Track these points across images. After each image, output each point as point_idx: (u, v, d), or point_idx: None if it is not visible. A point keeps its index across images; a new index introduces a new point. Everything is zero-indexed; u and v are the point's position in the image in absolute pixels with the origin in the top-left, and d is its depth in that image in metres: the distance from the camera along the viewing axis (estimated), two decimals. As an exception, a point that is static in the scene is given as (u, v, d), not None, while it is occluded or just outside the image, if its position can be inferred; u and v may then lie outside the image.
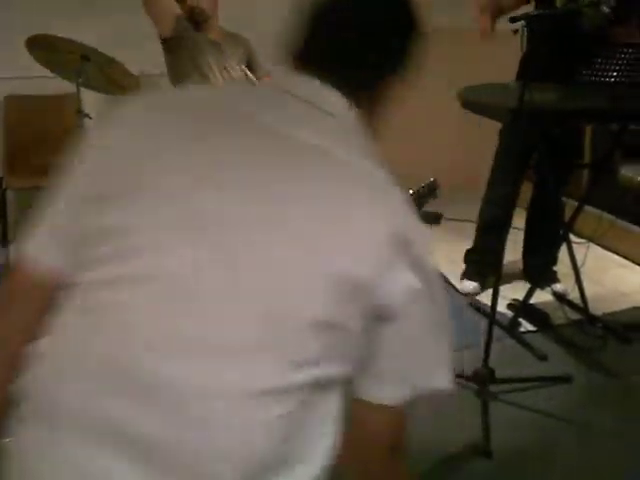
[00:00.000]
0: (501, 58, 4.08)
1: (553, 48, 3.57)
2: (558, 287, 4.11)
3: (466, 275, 4.27)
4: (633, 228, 4.74)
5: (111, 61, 2.96)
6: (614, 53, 3.20)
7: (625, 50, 3.25)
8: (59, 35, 2.90)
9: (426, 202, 2.35)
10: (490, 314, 3.07)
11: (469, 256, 4.32)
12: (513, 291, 3.89)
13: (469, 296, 4.14)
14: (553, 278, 4.17)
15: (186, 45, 3.48)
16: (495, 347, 3.11)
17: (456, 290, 4.17)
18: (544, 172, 3.91)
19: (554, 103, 3.20)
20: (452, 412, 3.00)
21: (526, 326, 3.75)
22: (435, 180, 2.39)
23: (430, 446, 2.79)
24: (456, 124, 4.75)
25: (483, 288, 4.16)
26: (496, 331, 3.15)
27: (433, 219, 5.01)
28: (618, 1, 3.61)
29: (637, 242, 4.72)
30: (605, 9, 3.38)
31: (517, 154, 3.87)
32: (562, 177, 3.97)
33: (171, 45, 3.44)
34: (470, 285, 4.20)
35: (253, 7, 4.58)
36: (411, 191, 2.30)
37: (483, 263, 4.14)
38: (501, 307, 3.70)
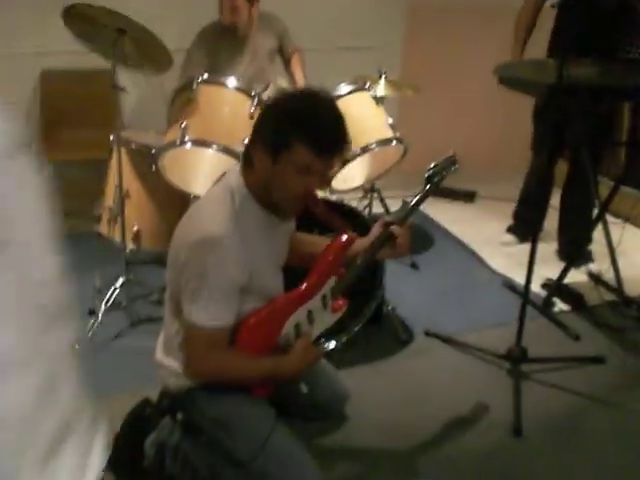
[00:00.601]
0: (535, 36, 4.03)
1: (581, 22, 3.54)
2: (592, 267, 4.07)
3: (510, 229, 4.52)
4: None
5: (147, 33, 2.95)
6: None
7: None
8: (95, 5, 2.89)
9: (445, 175, 2.39)
10: (524, 293, 3.04)
11: (514, 216, 4.53)
12: (548, 271, 3.85)
13: (505, 245, 4.45)
14: (588, 257, 4.14)
15: None
16: (528, 326, 3.09)
17: (490, 269, 4.14)
18: (579, 149, 3.87)
19: (592, 79, 3.14)
20: (484, 390, 3.01)
21: (560, 306, 3.71)
22: (454, 154, 2.43)
23: (462, 423, 2.80)
24: (493, 103, 4.72)
25: (520, 243, 4.43)
26: (530, 311, 3.12)
27: (467, 197, 5.03)
28: None
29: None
30: None
31: (554, 130, 3.83)
32: (597, 154, 3.92)
33: None
34: (508, 237, 4.50)
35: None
36: (430, 167, 2.36)
37: (523, 228, 4.41)
38: (535, 287, 3.68)
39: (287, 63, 4.14)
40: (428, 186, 2.39)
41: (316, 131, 1.93)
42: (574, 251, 4.10)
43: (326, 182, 2.37)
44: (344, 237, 2.29)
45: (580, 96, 3.08)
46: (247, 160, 2.06)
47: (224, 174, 2.14)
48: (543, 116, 4.07)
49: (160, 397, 2.44)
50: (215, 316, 2.01)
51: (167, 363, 2.23)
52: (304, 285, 2.26)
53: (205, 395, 2.19)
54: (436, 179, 2.39)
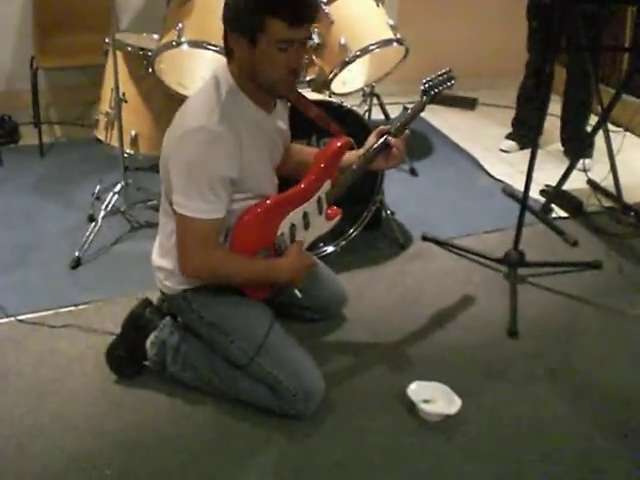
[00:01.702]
0: None
1: None
2: (588, 163, 4.06)
3: (509, 136, 4.53)
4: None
5: None
6: None
7: None
8: None
9: (441, 90, 2.40)
10: (522, 198, 3.04)
11: (513, 122, 4.55)
12: (547, 178, 3.84)
13: (507, 152, 4.48)
14: (587, 153, 4.16)
15: None
16: (526, 232, 3.11)
17: (490, 176, 4.14)
18: (576, 50, 3.85)
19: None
20: (481, 293, 3.04)
21: (558, 212, 3.72)
22: (450, 70, 2.44)
23: (458, 324, 2.84)
24: (496, 6, 4.63)
25: (520, 149, 4.47)
26: (528, 217, 3.13)
27: (469, 104, 4.96)
28: None
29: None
30: None
31: (546, 32, 3.90)
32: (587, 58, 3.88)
33: None
34: (508, 143, 4.51)
35: None
36: (425, 79, 2.37)
37: (523, 131, 4.45)
38: (534, 194, 3.68)
39: None
40: (424, 98, 2.42)
41: (284, 3, 1.92)
42: (575, 140, 4.19)
43: (307, 53, 2.35)
44: (339, 141, 2.30)
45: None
46: (228, 51, 2.06)
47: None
48: (536, 12, 4.03)
49: (160, 300, 2.48)
50: (205, 207, 2.01)
51: (162, 265, 2.26)
52: (301, 185, 2.26)
53: (201, 297, 2.24)
54: (432, 92, 2.41)
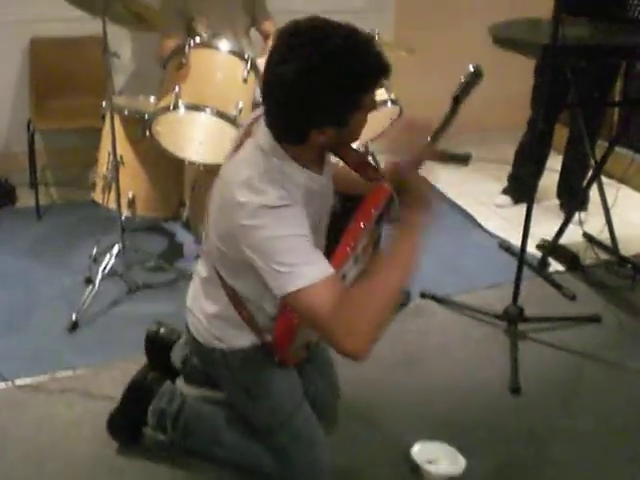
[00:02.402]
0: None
1: None
2: (583, 216, 4.08)
3: (505, 191, 4.55)
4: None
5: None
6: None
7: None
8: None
9: (471, 91, 2.30)
10: (519, 254, 3.05)
11: (509, 178, 4.56)
12: (543, 232, 3.86)
13: (501, 207, 4.48)
14: (582, 206, 4.17)
15: None
16: (525, 287, 3.12)
17: (485, 231, 4.15)
18: (575, 108, 3.89)
19: (586, 39, 3.13)
20: (482, 350, 3.03)
21: (556, 266, 3.73)
22: (477, 66, 2.34)
23: (460, 382, 2.82)
24: (487, 64, 4.68)
25: (515, 204, 4.46)
26: (525, 271, 3.13)
27: (463, 160, 5.00)
28: None
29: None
30: None
31: (551, 90, 3.84)
32: (594, 115, 3.92)
33: None
34: (503, 198, 4.54)
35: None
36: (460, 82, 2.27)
37: (519, 187, 4.43)
38: (531, 248, 3.69)
39: (264, 37, 4.10)
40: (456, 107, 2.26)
41: (375, 74, 1.71)
42: (572, 194, 4.21)
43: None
44: (385, 186, 2.00)
45: (574, 57, 3.08)
46: (281, 141, 1.79)
47: (243, 140, 1.90)
48: (543, 72, 4.07)
49: (184, 344, 2.37)
50: (311, 270, 1.69)
51: (208, 311, 2.08)
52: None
53: (239, 358, 2.09)
54: (463, 97, 2.27)
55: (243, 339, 2.06)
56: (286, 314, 1.90)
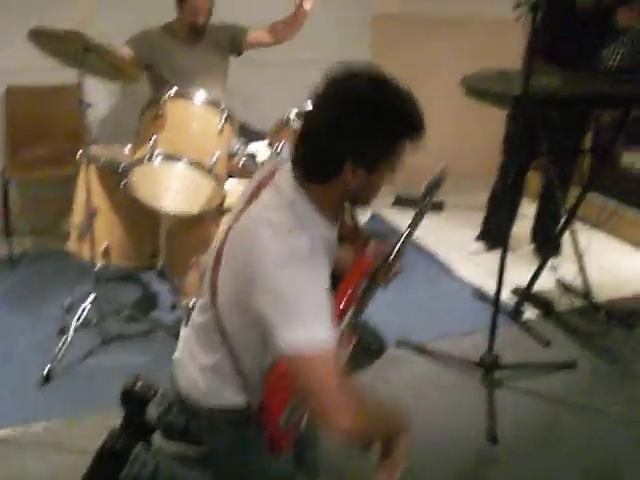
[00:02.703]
0: (505, 46, 4.08)
1: (555, 33, 3.59)
2: (557, 262, 4.14)
3: (478, 238, 4.60)
4: (635, 213, 4.74)
5: (109, 51, 2.97)
6: (617, 37, 3.17)
7: (630, 35, 3.22)
8: (61, 28, 2.89)
9: (435, 193, 2.36)
10: (494, 301, 3.07)
11: (482, 224, 4.61)
12: (516, 278, 3.88)
13: (475, 254, 4.51)
14: (556, 251, 4.23)
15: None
16: (500, 334, 3.13)
17: (460, 279, 4.18)
18: (546, 156, 3.95)
19: (557, 89, 3.18)
20: (458, 398, 3.03)
21: (530, 313, 3.75)
22: (443, 169, 2.39)
23: (437, 430, 2.81)
24: (460, 112, 4.76)
25: (488, 250, 4.51)
26: (501, 318, 3.15)
27: (436, 207, 5.06)
28: None
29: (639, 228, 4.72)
30: None
31: (522, 139, 3.93)
32: (566, 163, 3.99)
33: None
34: (477, 245, 4.57)
35: None
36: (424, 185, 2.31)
37: (492, 234, 4.50)
38: (505, 294, 3.71)
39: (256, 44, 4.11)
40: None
41: (417, 128, 1.70)
42: (543, 246, 4.26)
43: None
44: (368, 256, 2.07)
45: (546, 106, 3.14)
46: (312, 177, 1.75)
47: (258, 191, 1.84)
48: (514, 121, 4.15)
49: (169, 405, 2.21)
50: (326, 334, 1.59)
51: (187, 363, 1.98)
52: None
53: (228, 419, 1.96)
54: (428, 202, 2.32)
55: (236, 397, 1.92)
56: (277, 376, 1.80)
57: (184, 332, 2.10)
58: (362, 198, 1.81)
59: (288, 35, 4.08)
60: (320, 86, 1.70)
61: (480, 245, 4.55)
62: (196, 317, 1.99)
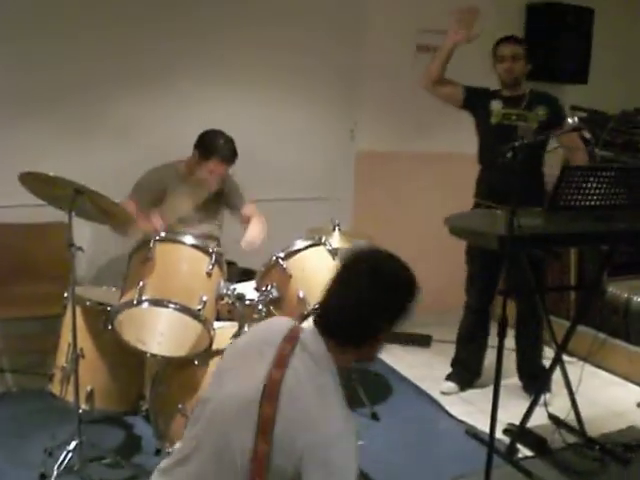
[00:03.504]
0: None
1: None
2: (548, 397, 4.09)
3: (449, 377, 4.52)
4: (624, 345, 4.75)
5: (100, 195, 3.01)
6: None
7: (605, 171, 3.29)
8: (50, 174, 2.94)
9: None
10: (489, 442, 3.01)
11: (453, 363, 4.57)
12: (508, 415, 3.83)
13: (447, 394, 4.42)
14: (546, 387, 4.17)
15: None
16: (495, 475, 3.06)
17: (451, 416, 4.12)
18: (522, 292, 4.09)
19: (541, 229, 3.23)
20: None
21: (524, 451, 3.68)
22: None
23: None
24: (444, 246, 4.82)
25: (461, 390, 4.46)
26: (495, 459, 3.08)
27: (424, 342, 5.05)
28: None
29: (629, 359, 4.71)
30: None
31: (484, 277, 4.25)
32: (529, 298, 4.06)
33: None
34: (448, 385, 4.48)
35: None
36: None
37: (463, 372, 4.50)
38: (498, 432, 3.64)
39: (243, 219, 4.22)
40: None
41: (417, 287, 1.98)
42: (532, 381, 4.25)
43: None
44: None
45: (531, 245, 3.19)
46: (346, 344, 1.90)
47: (287, 355, 1.88)
48: (475, 256, 4.27)
49: None
50: None
51: None
52: None
53: None
54: None
55: None
56: None
57: None
58: (371, 358, 1.98)
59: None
60: (348, 263, 1.98)
61: (451, 385, 4.48)
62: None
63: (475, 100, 4.21)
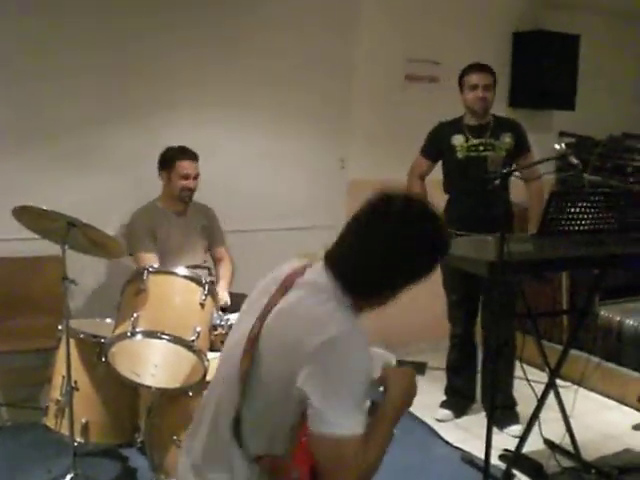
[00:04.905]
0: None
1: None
2: (515, 429, 4.12)
3: (444, 405, 4.53)
4: (617, 368, 4.75)
5: (93, 228, 3.04)
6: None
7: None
8: (44, 207, 2.97)
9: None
10: (484, 468, 3.01)
11: (446, 391, 4.59)
12: (503, 440, 3.83)
13: (442, 422, 4.42)
14: (513, 419, 4.22)
15: None
16: (491, 501, 3.05)
17: (447, 443, 4.12)
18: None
19: (531, 254, 3.25)
20: None
21: (520, 477, 3.67)
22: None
23: None
24: (437, 277, 4.84)
25: (456, 417, 4.47)
26: (490, 484, 3.09)
27: (418, 369, 5.02)
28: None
29: (623, 382, 4.72)
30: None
31: (466, 306, 4.30)
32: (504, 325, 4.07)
33: None
34: (443, 412, 4.48)
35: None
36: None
37: (457, 399, 4.52)
38: (493, 458, 3.64)
39: (215, 258, 4.32)
40: None
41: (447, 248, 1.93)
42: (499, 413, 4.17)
43: None
44: None
45: (522, 271, 3.22)
46: (359, 293, 1.84)
47: (285, 289, 1.86)
48: (455, 285, 4.29)
49: None
50: (360, 421, 1.72)
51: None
52: None
53: None
54: None
55: None
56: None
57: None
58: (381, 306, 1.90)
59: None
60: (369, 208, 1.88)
61: (446, 412, 4.49)
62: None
63: (438, 150, 4.30)
